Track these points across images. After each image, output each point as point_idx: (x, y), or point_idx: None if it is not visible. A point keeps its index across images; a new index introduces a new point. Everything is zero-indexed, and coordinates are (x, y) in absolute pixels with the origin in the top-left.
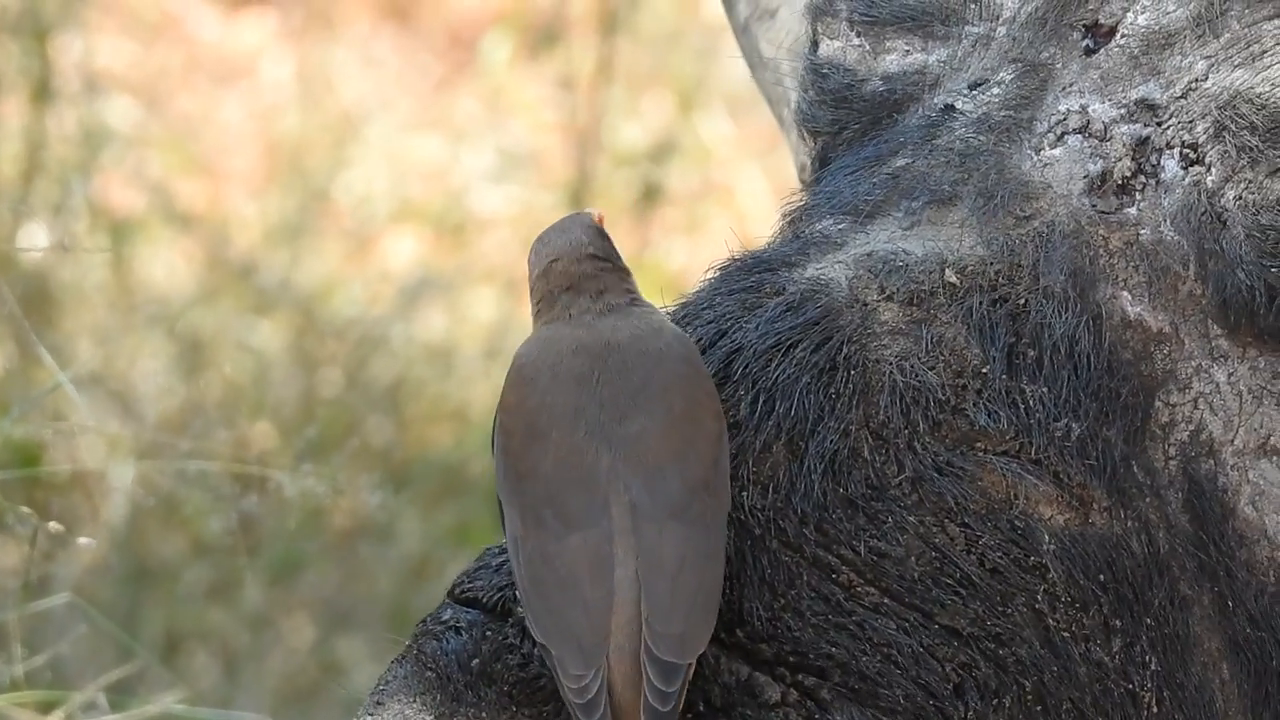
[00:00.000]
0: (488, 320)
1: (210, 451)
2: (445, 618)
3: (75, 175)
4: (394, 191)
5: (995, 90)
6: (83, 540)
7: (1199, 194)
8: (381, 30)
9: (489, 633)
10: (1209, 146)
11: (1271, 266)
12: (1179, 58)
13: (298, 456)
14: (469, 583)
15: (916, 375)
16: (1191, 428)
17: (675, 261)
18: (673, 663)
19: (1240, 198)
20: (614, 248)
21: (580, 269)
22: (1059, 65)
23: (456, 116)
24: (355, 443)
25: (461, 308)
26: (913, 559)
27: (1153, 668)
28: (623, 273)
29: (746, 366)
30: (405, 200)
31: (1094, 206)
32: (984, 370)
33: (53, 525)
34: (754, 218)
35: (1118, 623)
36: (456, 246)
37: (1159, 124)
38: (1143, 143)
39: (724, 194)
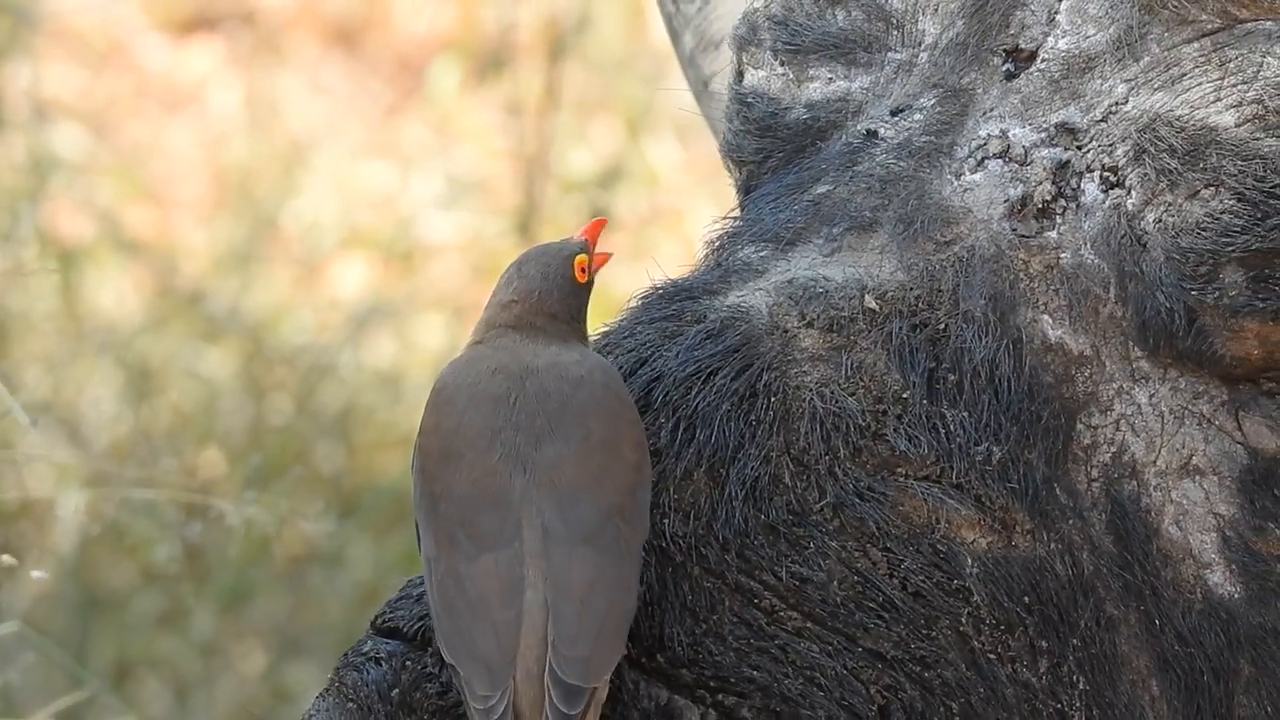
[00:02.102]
0: (436, 347)
1: (158, 480)
2: (365, 649)
3: (24, 203)
4: (343, 218)
5: (916, 116)
6: (34, 574)
7: (1119, 217)
8: (329, 57)
9: (408, 662)
10: (1129, 169)
11: (1191, 289)
12: (1099, 81)
13: (246, 484)
14: (390, 613)
15: (837, 401)
16: (1114, 449)
17: (623, 287)
18: (576, 686)
19: (1160, 220)
20: (584, 297)
21: (530, 319)
22: (980, 90)
23: (405, 143)
24: (304, 470)
25: (410, 334)
26: (835, 584)
27: (1081, 687)
28: (575, 328)
29: (667, 394)
30: (354, 227)
31: (1014, 230)
32: (904, 395)
33: (4, 558)
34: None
35: (1044, 644)
36: (405, 273)
37: (1079, 148)
38: (1063, 166)
39: (672, 219)
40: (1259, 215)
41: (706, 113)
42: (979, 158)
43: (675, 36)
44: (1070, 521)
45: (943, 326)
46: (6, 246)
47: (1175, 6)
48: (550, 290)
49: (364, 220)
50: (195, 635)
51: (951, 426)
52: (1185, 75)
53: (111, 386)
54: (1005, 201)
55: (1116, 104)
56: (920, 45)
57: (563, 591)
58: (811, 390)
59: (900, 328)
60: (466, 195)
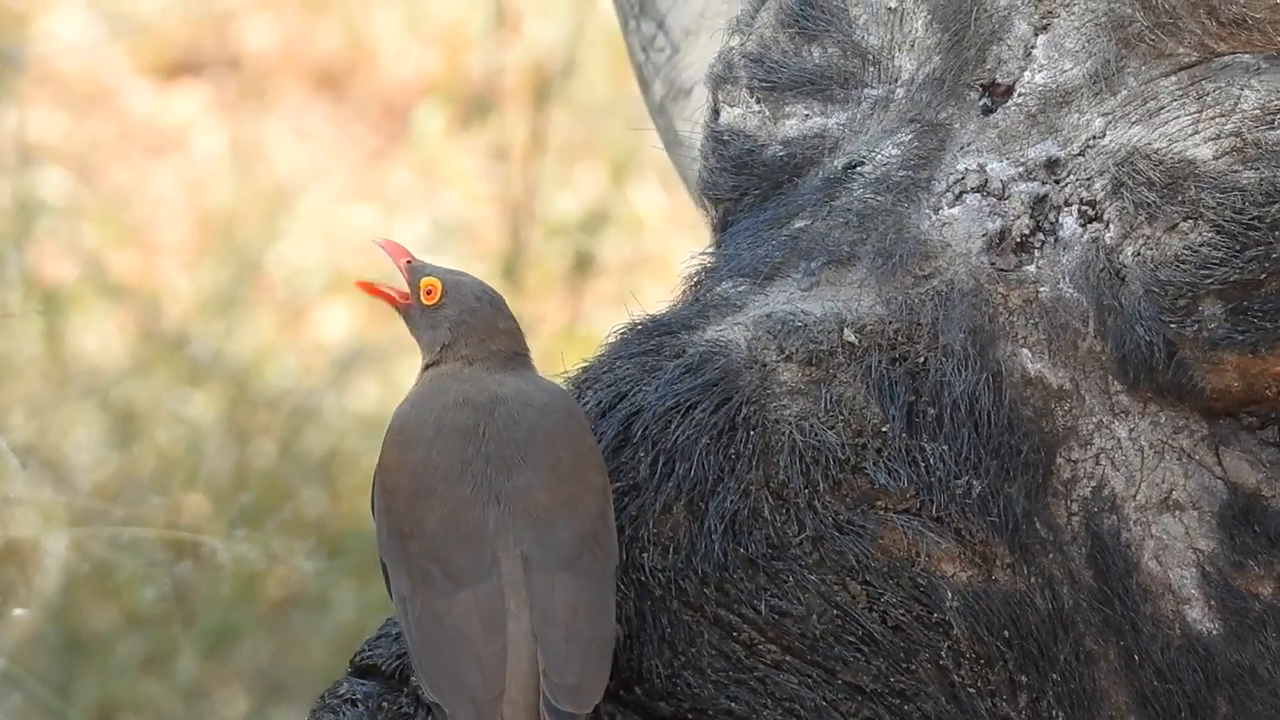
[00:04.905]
0: None
1: (144, 519)
2: (342, 691)
3: (9, 247)
4: (327, 262)
5: (893, 151)
6: (18, 612)
7: (1097, 250)
8: (314, 102)
9: (385, 704)
10: (1107, 203)
11: (1170, 321)
12: (1076, 115)
13: (232, 526)
14: (369, 651)
15: (816, 435)
16: (1094, 484)
17: (607, 333)
18: (570, 713)
19: (1139, 253)
20: None
21: (513, 345)
22: (957, 125)
23: (389, 187)
24: (289, 513)
25: (394, 378)
26: (814, 617)
27: None
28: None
29: (646, 428)
30: (338, 271)
31: (993, 264)
32: (884, 429)
33: None
34: None
35: (1023, 678)
36: (389, 317)
37: (1057, 181)
38: (1041, 200)
39: (657, 264)
40: (1237, 247)
41: (676, 161)
42: (957, 192)
43: (645, 85)
44: (1050, 555)
45: (922, 360)
46: None
47: (1152, 40)
48: (516, 326)
49: (348, 264)
50: (179, 678)
51: (931, 460)
52: (1163, 108)
53: (96, 430)
54: (983, 235)
55: (1094, 138)
56: (897, 81)
57: (548, 619)
58: (791, 424)
59: (879, 361)
60: (451, 240)
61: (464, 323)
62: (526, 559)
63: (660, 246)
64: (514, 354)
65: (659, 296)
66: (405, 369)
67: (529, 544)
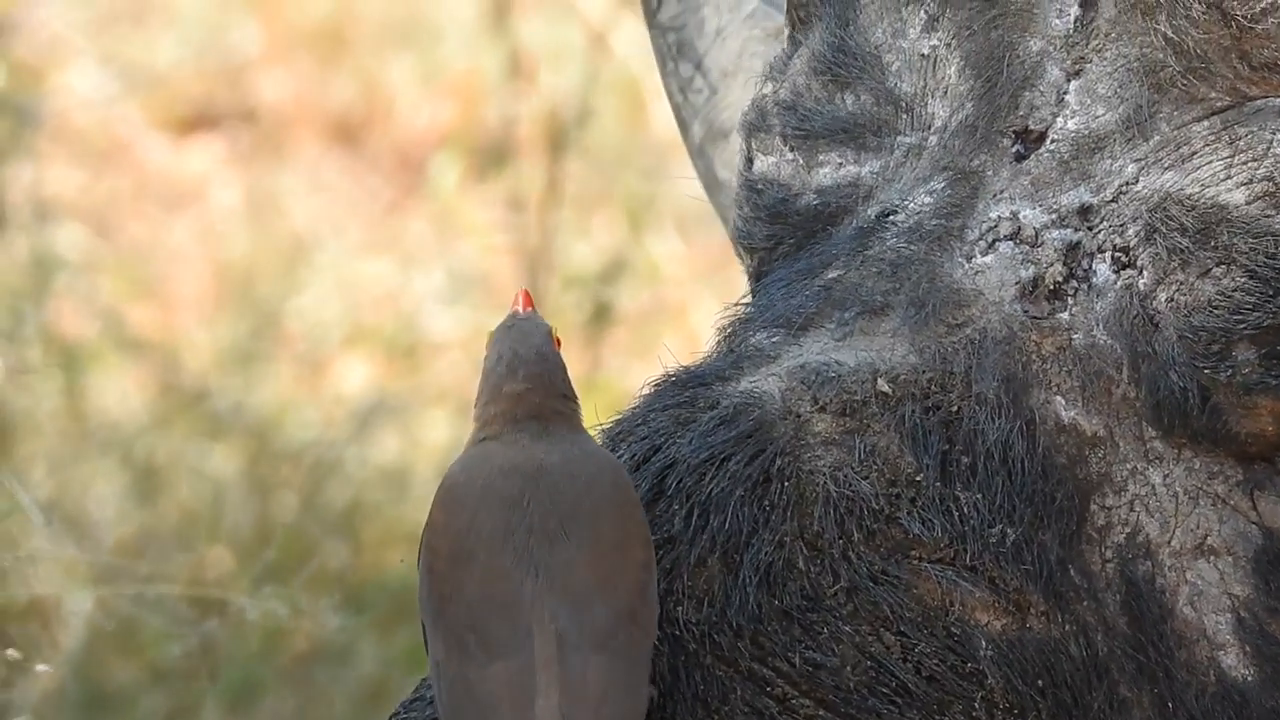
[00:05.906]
0: (441, 442)
1: (168, 575)
2: None
3: (27, 303)
4: (345, 315)
5: (926, 199)
6: (40, 667)
7: (1131, 297)
8: (330, 154)
9: None
10: (1140, 249)
11: (1204, 367)
12: (1109, 161)
13: (255, 580)
14: (404, 714)
15: (850, 485)
16: (1128, 530)
17: (627, 383)
18: None
19: (1172, 299)
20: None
21: (550, 404)
22: (990, 172)
23: (406, 239)
24: (312, 567)
25: (414, 430)
26: (849, 669)
27: None
28: (576, 406)
29: (680, 481)
30: (356, 323)
31: (1026, 312)
32: (918, 478)
33: (10, 653)
34: (705, 337)
35: None
36: (408, 369)
37: (1090, 228)
38: (1074, 247)
39: (675, 313)
40: (1270, 292)
41: (716, 203)
42: (990, 240)
43: (684, 127)
44: (1084, 603)
45: (956, 409)
46: (10, 346)
47: (1185, 85)
48: (555, 370)
49: (366, 317)
50: None
51: (965, 509)
52: (1195, 154)
53: (117, 486)
54: (1017, 283)
55: (1127, 184)
56: (930, 128)
57: (578, 700)
58: (825, 474)
59: (913, 411)
60: (468, 291)
61: (483, 385)
62: (561, 636)
63: (678, 295)
64: (530, 417)
65: (677, 344)
66: (425, 421)
67: (565, 620)
